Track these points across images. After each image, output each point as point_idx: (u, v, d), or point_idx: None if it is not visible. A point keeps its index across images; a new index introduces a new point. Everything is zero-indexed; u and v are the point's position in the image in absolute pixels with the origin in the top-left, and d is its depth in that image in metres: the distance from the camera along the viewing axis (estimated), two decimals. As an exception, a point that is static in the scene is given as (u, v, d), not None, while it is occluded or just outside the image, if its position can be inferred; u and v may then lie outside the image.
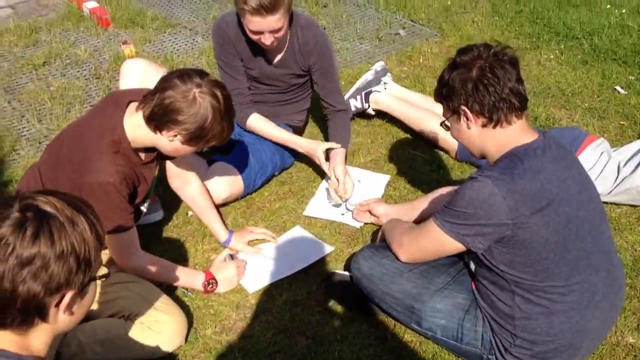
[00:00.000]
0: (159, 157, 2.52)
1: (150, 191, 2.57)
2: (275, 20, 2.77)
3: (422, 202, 2.82)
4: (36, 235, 1.32)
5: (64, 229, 1.35)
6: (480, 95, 2.05)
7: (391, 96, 3.65)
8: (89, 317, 2.37)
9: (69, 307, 1.41)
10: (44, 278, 1.33)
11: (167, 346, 2.38)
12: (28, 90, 3.98)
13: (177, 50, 4.46)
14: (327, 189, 3.14)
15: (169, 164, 2.71)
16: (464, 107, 2.09)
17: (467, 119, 2.10)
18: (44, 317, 1.39)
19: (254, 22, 2.78)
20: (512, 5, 4.97)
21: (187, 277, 2.61)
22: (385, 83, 3.66)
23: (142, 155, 2.43)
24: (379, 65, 3.73)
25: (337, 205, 3.09)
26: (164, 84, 2.24)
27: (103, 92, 3.95)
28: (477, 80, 2.05)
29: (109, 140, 2.29)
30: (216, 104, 2.23)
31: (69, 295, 1.38)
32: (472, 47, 2.10)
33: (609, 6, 4.94)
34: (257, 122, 3.20)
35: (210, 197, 2.89)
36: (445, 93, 2.14)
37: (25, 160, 3.36)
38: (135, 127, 2.31)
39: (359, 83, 3.69)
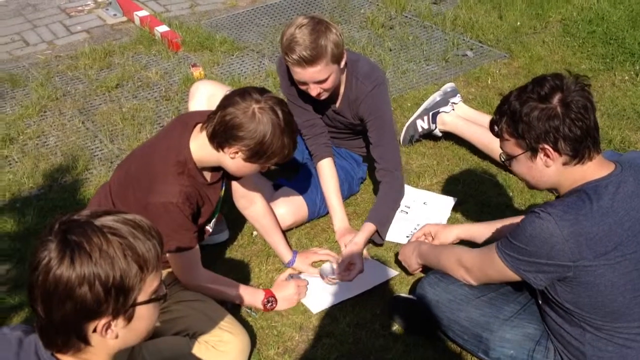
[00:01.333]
0: (225, 177, 2.55)
1: (215, 212, 2.59)
2: (317, 72, 2.69)
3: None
4: (60, 261, 1.35)
5: (87, 256, 1.35)
6: (568, 132, 1.90)
7: (459, 117, 3.59)
8: (154, 334, 2.39)
9: (109, 333, 1.42)
10: (70, 304, 1.35)
11: None
12: (101, 111, 4.10)
13: (245, 72, 4.52)
14: (330, 263, 2.86)
15: (234, 185, 2.73)
16: (545, 145, 1.94)
17: (548, 157, 1.95)
18: (84, 341, 1.41)
19: (297, 73, 2.73)
20: (584, 25, 4.84)
21: (248, 295, 2.61)
22: (453, 104, 3.61)
23: (209, 175, 2.46)
24: (449, 87, 3.68)
25: (327, 274, 2.78)
26: (225, 102, 2.29)
27: (173, 113, 4.04)
28: (563, 115, 1.90)
29: (174, 161, 2.33)
30: (275, 119, 2.25)
31: (103, 322, 1.39)
32: (546, 78, 1.95)
33: (687, 25, 4.75)
34: (323, 171, 3.09)
35: (275, 217, 2.90)
36: (521, 129, 1.95)
37: (97, 180, 3.45)
38: (200, 147, 2.35)
39: (426, 104, 3.65)
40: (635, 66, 4.31)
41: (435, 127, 3.62)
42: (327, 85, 2.78)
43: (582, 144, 1.92)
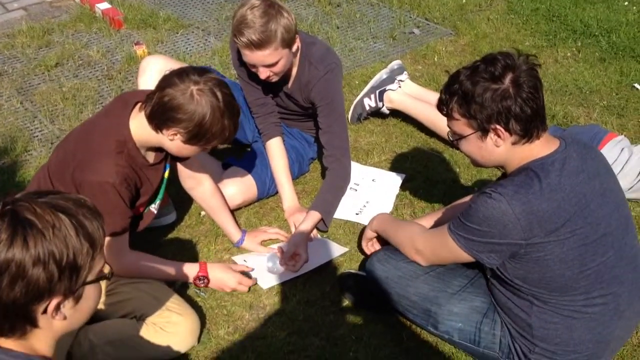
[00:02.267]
0: (170, 158, 2.49)
1: (158, 194, 2.54)
2: (266, 56, 2.64)
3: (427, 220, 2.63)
4: (10, 241, 1.29)
5: (40, 234, 1.30)
6: (520, 112, 1.89)
7: (406, 95, 3.60)
8: (100, 317, 2.35)
9: (59, 314, 1.37)
10: (22, 284, 1.30)
11: (180, 347, 2.34)
12: (40, 91, 3.97)
13: (190, 50, 4.43)
14: (278, 249, 2.78)
15: (180, 166, 2.68)
16: (497, 126, 1.93)
17: (499, 136, 1.95)
18: (32, 323, 1.35)
19: (246, 55, 2.68)
20: (527, 3, 4.91)
21: (180, 270, 2.54)
22: (400, 81, 3.61)
23: (152, 156, 2.41)
24: (395, 64, 3.67)
25: (273, 271, 2.70)
26: (164, 82, 2.23)
27: (115, 92, 3.94)
28: (515, 95, 1.89)
29: (113, 140, 2.27)
30: (215, 101, 2.20)
31: (54, 302, 1.34)
32: (497, 57, 1.93)
33: (626, 3, 4.86)
34: (272, 150, 3.06)
35: (223, 197, 2.86)
36: (473, 110, 1.93)
37: (37, 161, 3.35)
38: (140, 127, 2.29)
39: (372, 82, 3.64)
40: (577, 43, 4.39)
41: (383, 105, 3.62)
42: (277, 69, 2.73)
43: (532, 123, 1.92)
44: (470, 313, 2.19)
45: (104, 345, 2.30)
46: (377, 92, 3.60)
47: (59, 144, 2.49)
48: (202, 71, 2.26)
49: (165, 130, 2.25)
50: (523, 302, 2.05)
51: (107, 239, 2.30)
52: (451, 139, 2.10)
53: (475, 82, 1.92)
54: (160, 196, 2.57)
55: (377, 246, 2.66)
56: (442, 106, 2.04)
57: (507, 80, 1.90)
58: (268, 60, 2.68)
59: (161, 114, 2.22)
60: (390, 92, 3.59)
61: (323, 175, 3.24)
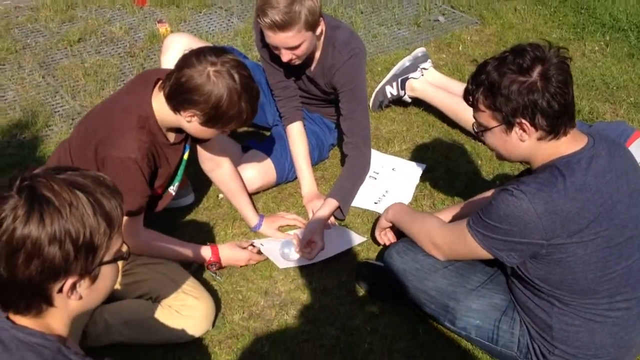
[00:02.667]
0: (190, 139, 2.48)
1: (177, 175, 2.53)
2: (289, 38, 2.60)
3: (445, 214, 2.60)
4: (27, 217, 1.27)
5: (57, 212, 1.28)
6: (547, 107, 1.84)
7: (429, 83, 3.55)
8: (116, 297, 2.35)
9: (74, 293, 1.36)
10: (37, 262, 1.28)
11: (194, 330, 2.34)
12: (63, 66, 3.96)
13: (213, 30, 4.40)
14: (294, 236, 2.77)
15: (200, 147, 2.66)
16: (522, 120, 1.88)
17: (524, 131, 1.90)
18: (48, 302, 1.34)
19: (269, 37, 2.64)
20: (556, -6, 4.83)
21: (192, 253, 2.54)
22: (423, 69, 3.56)
23: (172, 136, 2.40)
24: (419, 51, 3.62)
25: (287, 257, 2.69)
26: (182, 62, 2.20)
27: (137, 70, 3.92)
28: (543, 90, 1.84)
29: (135, 115, 2.25)
30: (232, 83, 2.17)
31: (70, 281, 1.33)
32: (526, 49, 1.88)
33: (657, -2, 4.76)
34: (293, 135, 3.04)
35: (242, 181, 2.84)
36: (499, 102, 1.88)
37: (58, 137, 3.34)
38: (160, 106, 2.28)
39: (395, 69, 3.59)
40: (606, 37, 4.31)
41: (405, 94, 3.58)
42: (300, 52, 2.69)
43: (559, 119, 1.87)
44: (488, 310, 2.17)
45: (120, 325, 2.30)
46: (400, 80, 3.56)
47: (80, 121, 2.48)
48: (221, 52, 2.22)
49: (182, 112, 2.23)
50: (544, 302, 2.01)
51: (124, 217, 2.31)
52: (476, 130, 2.06)
53: (502, 74, 1.87)
54: (179, 178, 2.56)
55: (391, 236, 2.64)
56: (468, 96, 1.99)
57: (536, 73, 1.85)
58: (291, 43, 2.64)
59: (178, 94, 2.19)
60: (413, 81, 3.55)
61: (343, 162, 3.21)
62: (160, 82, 2.29)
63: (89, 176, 1.38)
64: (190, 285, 2.40)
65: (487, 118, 1.97)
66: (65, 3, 4.58)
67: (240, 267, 2.65)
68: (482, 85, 1.92)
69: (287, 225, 2.89)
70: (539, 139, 1.91)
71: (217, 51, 2.22)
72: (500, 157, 2.07)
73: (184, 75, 2.16)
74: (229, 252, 2.61)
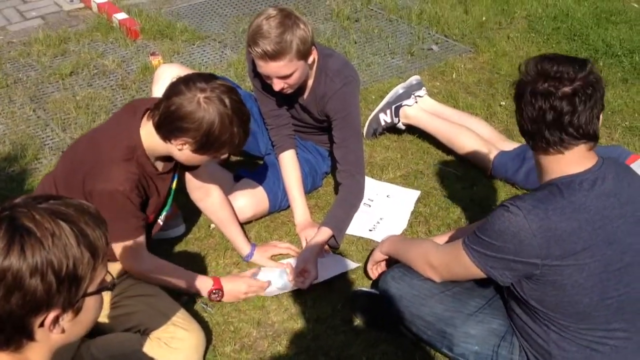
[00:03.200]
0: (179, 168, 2.44)
1: (166, 205, 2.50)
2: (280, 67, 2.58)
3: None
4: (7, 249, 1.21)
5: (39, 243, 1.23)
6: (520, 119, 1.90)
7: (423, 110, 3.53)
8: (103, 330, 2.28)
9: (57, 327, 1.29)
10: (18, 296, 1.22)
11: None
12: (54, 99, 3.93)
13: (206, 62, 4.39)
14: (287, 265, 2.72)
15: (188, 176, 2.61)
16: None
17: None
18: (29, 336, 1.28)
19: (260, 67, 2.62)
20: (549, 22, 4.83)
21: (195, 283, 2.49)
22: (418, 97, 3.53)
23: (161, 165, 2.36)
24: (414, 79, 3.60)
25: (282, 287, 2.62)
26: (170, 91, 2.18)
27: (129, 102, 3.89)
28: (526, 103, 1.86)
29: (124, 146, 2.22)
30: (223, 108, 2.14)
31: (52, 315, 1.27)
32: (540, 60, 1.87)
33: (650, 24, 4.78)
34: (285, 163, 3.00)
35: (233, 209, 2.79)
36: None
37: (47, 169, 3.30)
38: (149, 135, 2.25)
39: (388, 97, 3.57)
40: (599, 63, 4.30)
41: (398, 121, 3.55)
42: (292, 81, 2.67)
43: (534, 134, 1.86)
44: (487, 335, 2.10)
45: (107, 359, 2.22)
46: (393, 107, 3.53)
47: (65, 152, 2.45)
48: (209, 77, 2.20)
49: (173, 140, 2.20)
50: (540, 327, 1.95)
51: (122, 244, 2.29)
52: None
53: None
54: (167, 207, 2.52)
55: (383, 269, 2.58)
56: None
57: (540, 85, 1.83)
58: (282, 72, 2.62)
59: (168, 123, 2.16)
60: (407, 108, 3.52)
61: (336, 190, 3.17)
62: (149, 111, 2.25)
63: (72, 205, 1.32)
64: (180, 317, 2.33)
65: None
66: (57, 37, 4.58)
67: (242, 298, 2.58)
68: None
69: (280, 255, 2.82)
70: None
71: (206, 77, 2.20)
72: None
73: (174, 104, 2.13)
74: (230, 283, 2.55)
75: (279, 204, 3.03)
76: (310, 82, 2.86)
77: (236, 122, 2.17)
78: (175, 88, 2.17)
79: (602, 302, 1.85)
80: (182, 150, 2.22)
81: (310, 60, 2.69)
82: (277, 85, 2.67)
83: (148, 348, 2.23)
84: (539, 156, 1.91)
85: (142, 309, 2.32)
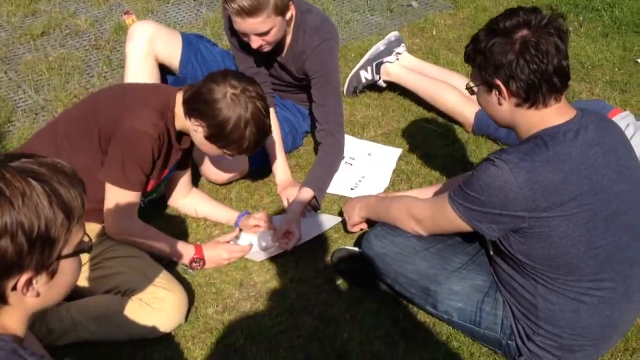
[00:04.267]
0: (176, 166, 2.55)
1: (156, 189, 2.55)
2: (258, 23, 2.53)
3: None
4: None
5: (8, 203, 1.18)
6: (519, 72, 1.80)
7: (404, 67, 3.48)
8: (83, 293, 2.25)
9: (30, 290, 1.25)
10: None
11: (166, 324, 2.24)
12: (25, 60, 3.82)
13: (181, 20, 4.29)
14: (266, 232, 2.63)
15: (173, 175, 2.67)
16: (498, 82, 1.85)
17: (500, 94, 1.87)
18: (2, 300, 1.24)
19: (237, 23, 2.57)
20: (528, -24, 4.78)
21: (176, 250, 2.47)
22: (398, 54, 3.49)
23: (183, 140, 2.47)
24: (393, 35, 3.55)
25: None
26: (210, 76, 2.33)
27: (103, 62, 3.80)
28: (518, 54, 1.79)
29: (159, 101, 2.33)
30: (243, 110, 2.25)
31: (24, 278, 1.22)
32: (518, 12, 1.83)
33: (630, -22, 4.73)
34: None
35: (207, 195, 2.82)
36: (479, 61, 1.88)
37: (20, 132, 3.22)
38: (178, 106, 2.36)
39: (369, 54, 3.52)
40: (579, 17, 4.28)
41: (379, 78, 3.50)
42: (269, 38, 2.61)
43: (533, 88, 1.82)
44: (471, 292, 2.10)
45: (87, 321, 2.20)
46: (374, 64, 3.48)
47: (75, 105, 2.55)
48: (249, 81, 2.31)
49: (192, 120, 2.31)
50: (527, 281, 1.95)
51: (120, 192, 2.30)
52: (467, 88, 2.03)
53: (488, 32, 1.86)
54: (156, 193, 2.60)
55: (364, 226, 2.57)
56: (465, 51, 1.97)
57: (517, 36, 1.80)
58: (260, 29, 2.56)
59: (192, 102, 2.29)
60: (388, 65, 3.47)
61: (317, 149, 3.14)
62: (185, 86, 2.40)
63: (45, 164, 1.26)
64: (162, 278, 2.30)
65: (474, 76, 1.96)
66: (27, -4, 4.44)
67: (224, 264, 2.55)
68: (472, 42, 1.92)
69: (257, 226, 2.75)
70: (517, 105, 1.87)
71: (246, 79, 2.32)
72: (492, 119, 2.03)
73: (206, 87, 2.28)
74: (211, 250, 2.53)
75: (260, 164, 2.99)
76: (288, 39, 2.80)
77: (251, 128, 2.27)
78: (214, 75, 2.32)
79: (589, 252, 1.85)
80: (196, 132, 2.33)
81: (287, 16, 2.63)
82: (255, 42, 2.62)
83: (129, 309, 2.21)
84: (521, 113, 1.88)
85: (122, 270, 2.29)
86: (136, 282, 2.26)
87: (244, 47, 2.80)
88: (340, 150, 2.97)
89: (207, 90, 2.26)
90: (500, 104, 1.90)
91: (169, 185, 2.73)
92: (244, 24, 2.55)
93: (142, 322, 2.20)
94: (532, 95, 1.83)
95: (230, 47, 2.97)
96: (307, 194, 2.76)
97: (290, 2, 2.62)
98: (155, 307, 2.21)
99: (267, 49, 2.69)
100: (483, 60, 1.86)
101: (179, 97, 2.36)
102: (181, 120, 2.36)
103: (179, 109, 2.35)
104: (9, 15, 4.28)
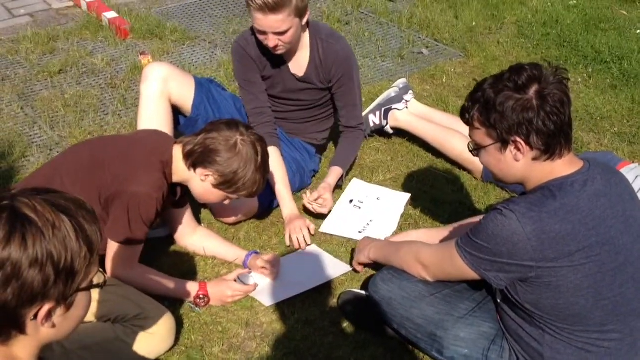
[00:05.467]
0: (172, 204, 2.59)
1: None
2: (278, 21, 2.68)
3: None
4: (7, 239, 1.19)
5: (40, 233, 1.21)
6: (541, 125, 1.81)
7: (412, 114, 3.52)
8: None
9: (49, 320, 1.27)
10: (15, 286, 1.20)
11: (159, 347, 2.29)
12: (42, 97, 3.90)
13: (195, 62, 4.37)
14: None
15: (175, 216, 2.72)
16: (517, 138, 1.85)
17: (519, 150, 1.87)
18: (20, 329, 1.25)
19: (257, 20, 2.71)
20: (538, 28, 4.85)
21: (180, 288, 2.50)
22: (407, 101, 3.53)
23: (178, 190, 2.51)
24: (401, 82, 3.61)
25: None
26: (211, 126, 2.40)
27: (118, 101, 3.87)
28: (539, 108, 1.80)
29: (157, 159, 2.37)
30: (254, 154, 2.36)
31: (46, 308, 1.25)
32: (524, 67, 1.85)
33: (638, 31, 4.80)
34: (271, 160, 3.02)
35: (215, 233, 2.84)
36: (493, 119, 1.86)
37: (34, 167, 3.26)
38: (177, 160, 2.41)
39: (380, 99, 3.57)
40: (588, 69, 4.33)
41: (387, 124, 3.53)
42: (286, 38, 2.76)
43: (554, 139, 1.84)
44: (477, 339, 2.09)
45: (79, 350, 2.20)
46: (383, 109, 3.52)
47: (75, 147, 2.59)
48: (248, 126, 2.45)
49: (200, 169, 2.37)
50: (535, 330, 1.94)
51: (124, 248, 2.36)
52: (471, 149, 2.02)
53: (498, 91, 1.85)
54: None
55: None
56: (464, 113, 1.97)
57: (532, 91, 1.82)
58: (279, 27, 2.71)
59: (201, 153, 2.35)
60: (396, 112, 3.51)
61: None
62: (181, 138, 2.46)
63: (70, 199, 1.32)
64: (150, 303, 2.33)
65: (482, 136, 1.94)
66: (46, 35, 4.54)
67: (229, 303, 2.55)
68: (478, 102, 1.90)
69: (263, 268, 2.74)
70: (534, 158, 1.88)
71: (246, 125, 2.46)
72: (496, 177, 2.04)
73: (211, 138, 2.35)
74: (215, 287, 2.54)
75: (269, 204, 3.02)
76: (306, 55, 2.97)
77: (261, 170, 2.39)
78: (216, 125, 2.41)
79: (597, 303, 1.85)
80: (203, 182, 2.40)
81: (304, 21, 2.80)
82: (272, 41, 2.76)
83: (121, 335, 2.23)
84: (536, 166, 1.89)
85: (111, 297, 2.30)
86: (125, 309, 2.28)
87: (255, 86, 2.99)
88: (360, 141, 3.23)
89: (215, 140, 2.34)
90: (517, 160, 1.89)
91: (172, 223, 2.76)
92: (265, 20, 2.69)
93: (136, 347, 2.22)
94: (551, 146, 1.85)
95: (240, 90, 3.06)
96: (337, 171, 3.05)
97: (308, 8, 2.80)
98: (149, 332, 2.24)
99: (281, 50, 2.83)
100: (499, 118, 1.84)
101: (177, 151, 2.41)
102: (179, 174, 2.42)
103: (177, 163, 2.40)
104: (27, 52, 4.38)
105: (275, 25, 2.69)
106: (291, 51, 2.95)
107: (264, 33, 2.75)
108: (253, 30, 2.88)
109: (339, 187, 3.10)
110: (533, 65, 1.87)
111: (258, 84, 3.02)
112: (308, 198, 2.92)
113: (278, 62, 3.00)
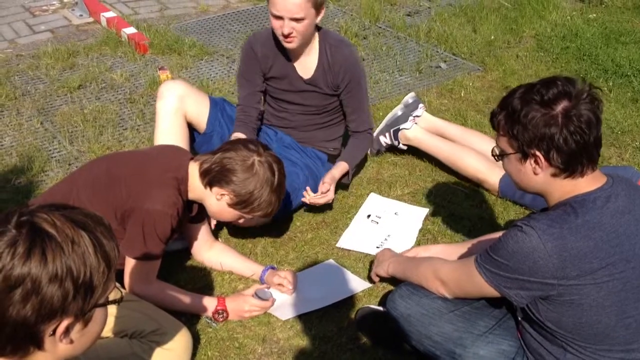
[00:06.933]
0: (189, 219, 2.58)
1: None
2: (296, 5, 2.71)
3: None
4: (27, 254, 1.19)
5: (60, 249, 1.21)
6: (563, 144, 1.78)
7: (423, 131, 3.45)
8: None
9: (67, 336, 1.27)
10: (35, 302, 1.20)
11: None
12: (62, 112, 3.93)
13: (214, 77, 4.39)
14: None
15: (192, 232, 2.72)
16: (537, 152, 1.83)
17: (537, 164, 1.85)
18: (38, 345, 1.25)
19: (276, 4, 2.73)
20: (557, 41, 4.82)
21: (199, 304, 2.49)
22: (416, 117, 3.47)
23: (194, 206, 2.52)
24: (410, 97, 3.53)
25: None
26: (229, 145, 2.42)
27: (136, 116, 3.89)
28: (562, 126, 1.77)
29: (172, 176, 2.36)
30: (270, 176, 2.36)
31: (65, 323, 1.25)
32: (556, 82, 1.82)
33: (659, 45, 4.76)
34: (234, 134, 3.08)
35: (230, 249, 2.82)
36: (516, 131, 1.85)
37: (53, 182, 3.28)
38: (192, 177, 2.41)
39: (386, 119, 3.50)
40: (609, 82, 4.29)
41: (399, 143, 3.48)
42: (301, 28, 2.78)
43: (575, 159, 1.81)
44: (497, 357, 2.05)
45: None
46: (392, 130, 3.47)
47: (92, 163, 2.59)
48: (266, 147, 2.44)
49: (215, 189, 2.37)
50: (556, 348, 1.91)
51: (142, 264, 2.36)
52: (495, 154, 2.00)
53: (525, 102, 1.83)
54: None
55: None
56: (493, 117, 1.96)
57: (559, 107, 1.79)
58: (297, 12, 2.74)
59: (217, 172, 2.35)
60: (405, 131, 3.45)
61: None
62: (198, 156, 2.47)
63: (88, 215, 1.33)
64: (166, 318, 2.32)
65: (505, 143, 1.93)
66: (66, 51, 4.59)
67: (247, 318, 2.54)
68: (505, 109, 1.89)
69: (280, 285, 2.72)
70: (553, 175, 1.85)
71: (264, 145, 2.45)
72: (517, 186, 2.01)
73: (229, 157, 2.35)
74: (233, 302, 2.54)
75: (283, 210, 2.98)
76: (315, 59, 2.99)
77: (277, 191, 2.39)
78: (234, 144, 2.42)
79: (621, 321, 1.82)
80: (219, 201, 2.39)
81: (319, 17, 2.84)
82: (287, 27, 2.77)
83: (137, 351, 2.22)
84: (556, 182, 1.86)
85: (128, 313, 2.30)
86: (142, 324, 2.27)
87: (250, 82, 3.09)
88: (367, 143, 3.25)
89: (232, 159, 2.34)
90: (536, 173, 1.87)
91: (189, 238, 2.76)
92: (284, 3, 2.71)
93: (153, 363, 2.20)
94: (571, 166, 1.82)
95: (237, 79, 3.18)
96: (343, 167, 3.05)
97: (324, 7, 2.86)
98: (166, 347, 2.22)
99: (293, 42, 2.85)
100: (521, 130, 1.83)
101: (193, 169, 2.41)
102: (195, 191, 2.42)
103: (193, 180, 2.40)
104: (47, 68, 4.42)
105: (293, 10, 2.72)
106: (299, 52, 2.97)
107: (280, 18, 2.76)
108: (268, 32, 2.95)
109: (344, 184, 3.12)
110: (566, 80, 1.84)
111: (254, 82, 3.08)
112: (308, 197, 2.92)
113: (285, 64, 3.01)
